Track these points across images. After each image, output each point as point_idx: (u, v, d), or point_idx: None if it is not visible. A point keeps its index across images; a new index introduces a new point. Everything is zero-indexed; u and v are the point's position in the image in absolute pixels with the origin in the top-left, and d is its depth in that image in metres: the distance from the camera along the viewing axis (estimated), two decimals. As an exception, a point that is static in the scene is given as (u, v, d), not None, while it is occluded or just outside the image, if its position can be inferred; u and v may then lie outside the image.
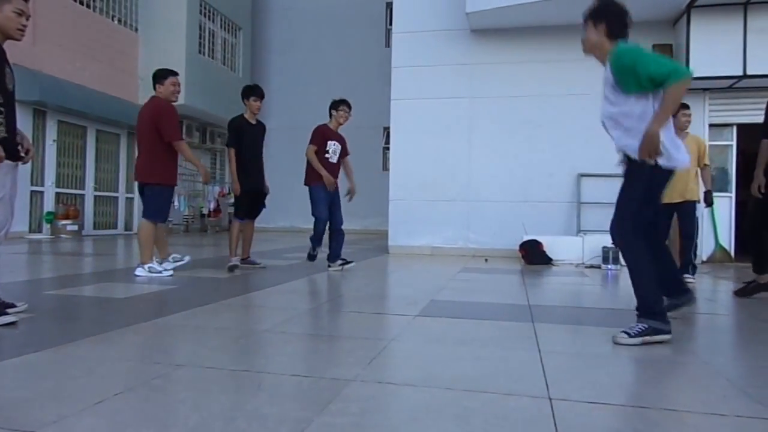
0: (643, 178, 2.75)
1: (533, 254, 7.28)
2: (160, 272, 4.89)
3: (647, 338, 2.63)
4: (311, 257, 6.08)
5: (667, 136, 2.69)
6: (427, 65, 8.77)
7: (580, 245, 7.34)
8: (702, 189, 5.59)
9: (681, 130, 5.60)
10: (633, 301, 4.26)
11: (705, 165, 5.58)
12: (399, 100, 8.88)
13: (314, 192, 5.78)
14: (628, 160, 2.82)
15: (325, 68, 16.32)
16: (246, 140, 5.65)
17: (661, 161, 2.68)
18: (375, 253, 8.54)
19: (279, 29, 17.33)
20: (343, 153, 6.04)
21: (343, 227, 5.96)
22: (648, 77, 2.62)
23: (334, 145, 5.90)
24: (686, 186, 5.38)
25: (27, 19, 3.44)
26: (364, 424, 1.58)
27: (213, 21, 14.64)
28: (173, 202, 5.03)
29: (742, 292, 4.35)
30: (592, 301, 4.44)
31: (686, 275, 5.37)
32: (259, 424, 1.55)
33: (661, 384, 2.09)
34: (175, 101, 5.07)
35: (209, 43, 14.44)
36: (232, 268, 5.47)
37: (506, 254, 7.88)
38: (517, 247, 7.49)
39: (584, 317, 3.59)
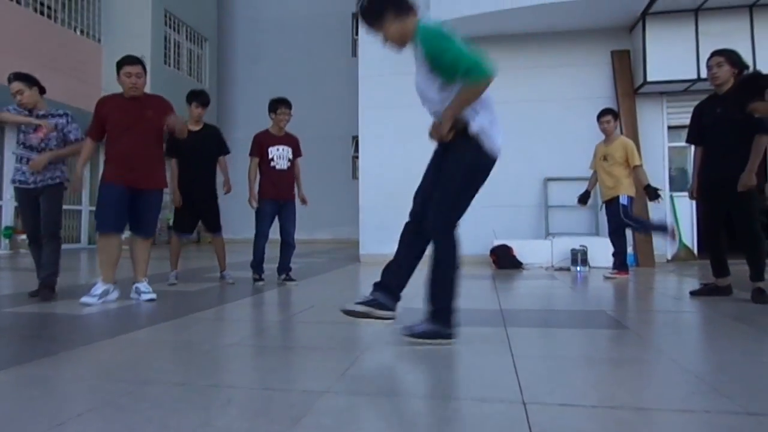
0: (468, 162, 2.59)
1: (504, 259, 7.34)
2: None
3: (429, 341, 2.57)
4: (255, 280, 5.47)
5: (487, 118, 2.56)
6: (394, 73, 8.78)
7: (549, 248, 7.44)
8: (644, 189, 5.88)
9: (606, 136, 6.06)
10: (603, 303, 4.33)
11: (636, 166, 5.87)
12: (367, 108, 8.89)
13: (260, 205, 5.45)
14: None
15: (292, 78, 16.27)
16: (183, 149, 5.22)
17: (486, 145, 2.57)
18: (346, 262, 8.50)
19: (245, 40, 17.24)
20: (296, 154, 5.63)
21: (294, 240, 5.56)
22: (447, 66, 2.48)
23: (277, 150, 5.49)
24: (608, 186, 5.90)
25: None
26: (338, 436, 1.55)
27: (178, 32, 14.47)
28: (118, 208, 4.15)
29: (698, 293, 4.43)
30: (563, 304, 4.49)
31: (613, 270, 5.91)
32: (229, 440, 1.51)
33: (631, 383, 2.11)
34: (134, 95, 4.21)
35: (174, 54, 14.27)
36: (171, 285, 5.23)
37: (477, 260, 7.92)
38: (488, 252, 7.55)
39: (555, 320, 3.62)
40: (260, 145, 5.48)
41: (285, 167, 5.50)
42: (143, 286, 4.30)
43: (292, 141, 5.64)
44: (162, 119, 4.30)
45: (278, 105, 5.56)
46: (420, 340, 2.59)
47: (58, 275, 4.42)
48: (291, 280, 5.50)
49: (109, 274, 4.10)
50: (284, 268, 5.56)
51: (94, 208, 13.46)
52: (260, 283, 5.38)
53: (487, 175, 2.70)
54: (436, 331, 2.59)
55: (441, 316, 2.61)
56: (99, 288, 4.02)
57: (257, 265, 5.46)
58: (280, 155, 5.49)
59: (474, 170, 2.64)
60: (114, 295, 4.12)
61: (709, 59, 4.26)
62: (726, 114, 4.11)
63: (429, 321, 2.63)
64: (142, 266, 4.36)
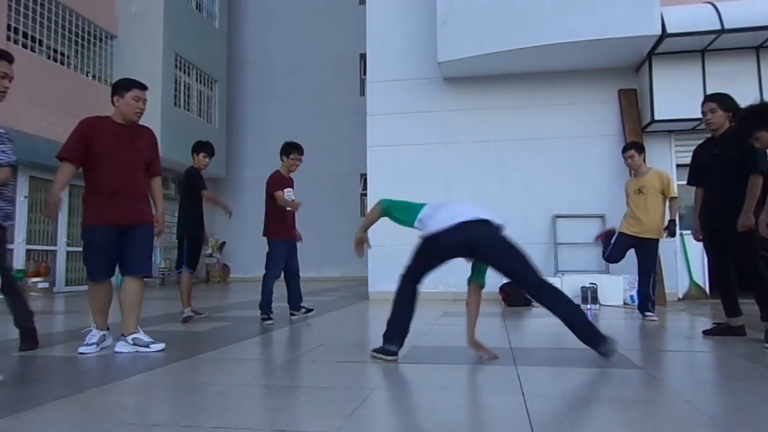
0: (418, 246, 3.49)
1: (513, 296, 7.28)
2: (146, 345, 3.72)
3: (378, 356, 3.33)
4: (264, 320, 5.36)
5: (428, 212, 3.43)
6: (401, 113, 8.94)
7: (559, 286, 7.32)
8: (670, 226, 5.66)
9: (635, 170, 5.82)
10: (617, 342, 4.28)
11: (672, 198, 5.66)
12: (375, 147, 9.00)
13: (274, 246, 5.53)
14: None
15: (300, 118, 16.53)
16: (200, 190, 5.78)
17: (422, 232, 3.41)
18: (355, 300, 8.46)
19: (254, 81, 17.59)
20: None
21: (300, 273, 5.90)
22: None
23: (289, 192, 5.70)
24: (650, 222, 5.56)
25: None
26: (347, 480, 1.53)
27: (189, 75, 14.80)
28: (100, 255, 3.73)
29: (710, 333, 4.37)
30: (574, 342, 4.41)
31: (647, 313, 5.48)
32: (238, 484, 1.49)
33: (645, 425, 2.07)
34: (136, 121, 3.96)
35: (185, 95, 14.55)
36: (186, 320, 5.44)
37: (486, 297, 7.77)
38: (497, 290, 7.50)
39: (566, 359, 3.57)
40: (280, 183, 5.64)
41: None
42: (143, 336, 3.76)
43: (293, 183, 5.92)
44: (151, 153, 3.99)
45: (292, 150, 5.76)
46: (374, 354, 3.37)
47: (34, 315, 3.92)
48: (309, 310, 5.94)
49: (102, 321, 3.78)
50: (299, 300, 5.81)
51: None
52: (270, 322, 5.33)
53: (436, 250, 3.50)
54: (385, 349, 3.33)
55: (391, 338, 3.37)
56: (95, 336, 3.70)
57: (267, 306, 5.42)
58: (289, 197, 5.69)
59: (419, 248, 3.51)
60: (109, 341, 3.80)
61: (702, 105, 4.33)
62: (722, 155, 4.15)
63: (384, 341, 3.39)
64: (135, 314, 3.79)
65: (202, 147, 5.97)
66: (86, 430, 2.04)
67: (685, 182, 8.29)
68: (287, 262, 5.63)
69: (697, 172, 4.47)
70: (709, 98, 4.31)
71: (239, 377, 3.00)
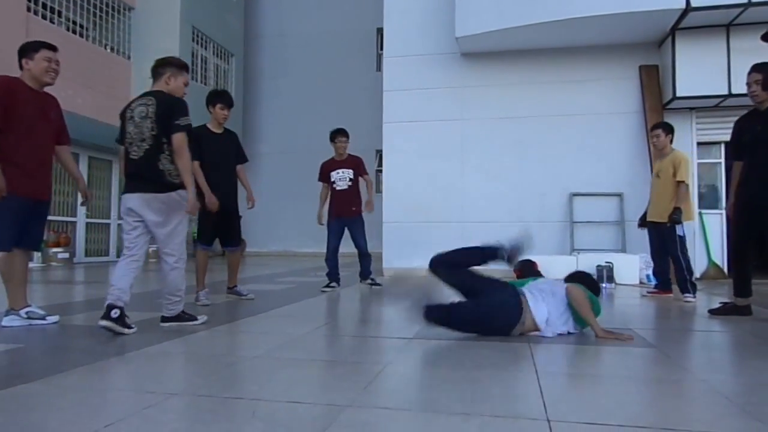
0: None
1: (528, 274, 7.25)
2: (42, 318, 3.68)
3: None
4: (376, 284, 6.65)
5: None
6: (418, 88, 8.86)
7: (574, 264, 7.34)
8: (695, 209, 5.45)
9: (659, 151, 5.66)
10: (630, 320, 4.26)
11: (679, 182, 5.22)
12: (391, 123, 8.94)
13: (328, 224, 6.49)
14: None
15: (316, 93, 16.44)
16: (207, 152, 4.85)
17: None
18: (369, 276, 8.49)
19: (271, 55, 17.49)
20: (358, 173, 6.45)
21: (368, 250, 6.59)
22: None
23: (337, 173, 6.36)
24: (660, 206, 5.35)
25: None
26: (361, 451, 1.55)
27: (206, 48, 14.76)
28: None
29: (716, 312, 4.33)
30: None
31: (685, 294, 5.25)
32: (254, 452, 1.52)
33: (659, 403, 2.07)
34: (50, 83, 3.76)
35: (202, 69, 14.54)
36: (203, 306, 4.86)
37: (501, 275, 7.79)
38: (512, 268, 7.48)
39: (580, 336, 3.56)
40: (322, 171, 6.46)
41: (347, 187, 6.38)
42: (37, 309, 3.75)
43: (353, 163, 6.57)
44: (61, 122, 3.88)
45: (335, 135, 6.48)
46: None
47: None
48: (377, 284, 6.71)
49: (23, 295, 3.69)
50: (367, 273, 6.70)
51: (121, 222, 13.32)
52: (330, 289, 6.30)
53: None
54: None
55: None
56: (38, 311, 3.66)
57: (330, 274, 6.51)
58: (341, 178, 6.37)
59: None
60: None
61: (748, 75, 4.11)
62: (765, 133, 3.99)
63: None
64: (25, 287, 3.74)
65: (219, 98, 5.13)
66: (106, 397, 2.09)
67: (706, 160, 8.18)
68: (353, 238, 6.36)
69: (739, 146, 4.27)
70: (755, 68, 4.06)
71: (254, 350, 3.04)
